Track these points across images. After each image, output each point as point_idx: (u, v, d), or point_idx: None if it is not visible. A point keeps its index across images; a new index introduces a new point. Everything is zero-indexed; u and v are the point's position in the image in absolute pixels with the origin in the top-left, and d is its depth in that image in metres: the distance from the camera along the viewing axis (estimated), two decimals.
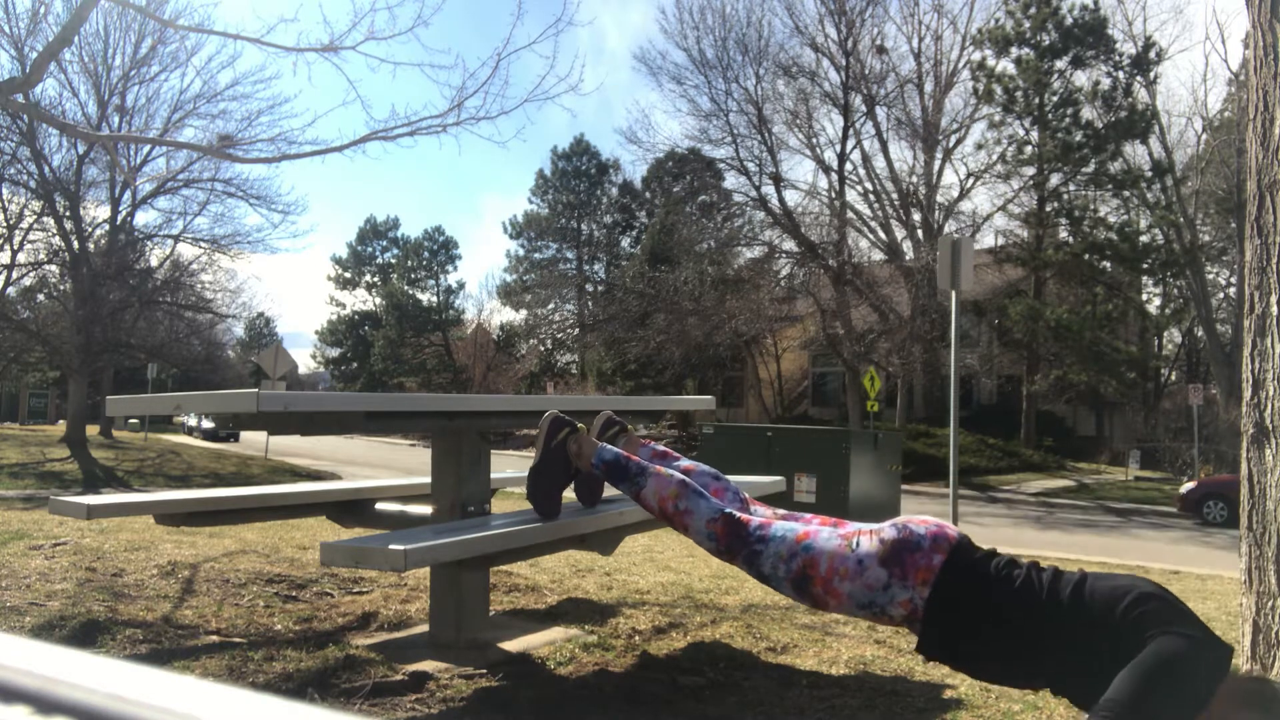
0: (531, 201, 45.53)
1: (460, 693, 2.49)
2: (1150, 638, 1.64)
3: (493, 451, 3.03)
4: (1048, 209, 25.37)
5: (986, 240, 27.05)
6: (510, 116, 29.62)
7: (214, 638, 2.92)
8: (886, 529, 1.97)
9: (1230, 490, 14.06)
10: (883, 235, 28.60)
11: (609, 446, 2.35)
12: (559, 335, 43.30)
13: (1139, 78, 24.43)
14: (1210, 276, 27.44)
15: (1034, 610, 1.78)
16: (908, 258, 27.25)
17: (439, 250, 50.78)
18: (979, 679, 1.98)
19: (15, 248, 22.31)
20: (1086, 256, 24.37)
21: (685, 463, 2.42)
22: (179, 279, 25.32)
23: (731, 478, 2.44)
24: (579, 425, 2.40)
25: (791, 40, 31.03)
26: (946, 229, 26.32)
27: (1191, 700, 1.60)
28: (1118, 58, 24.47)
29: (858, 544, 1.95)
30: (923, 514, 2.12)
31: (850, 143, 28.33)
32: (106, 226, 23.34)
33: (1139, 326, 29.59)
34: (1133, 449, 24.77)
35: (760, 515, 2.20)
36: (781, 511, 2.25)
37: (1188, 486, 16.19)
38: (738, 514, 2.11)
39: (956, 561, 1.88)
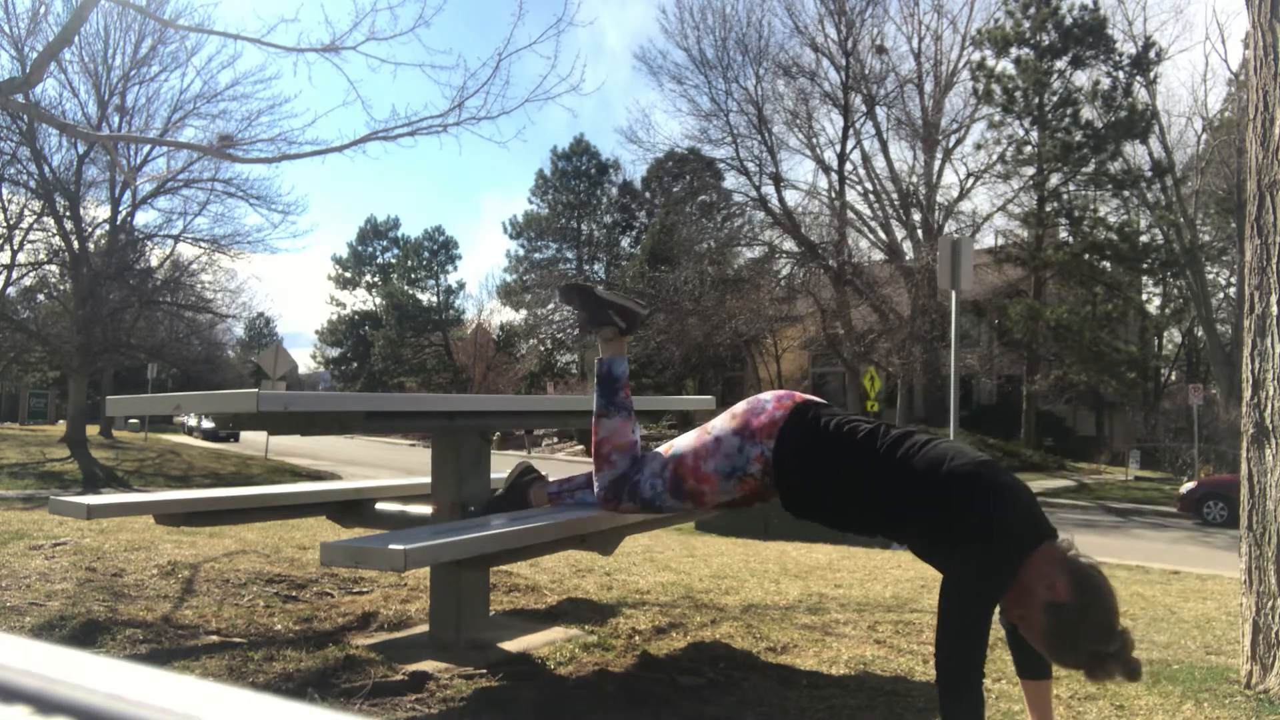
0: (531, 201, 45.57)
1: (460, 693, 2.49)
2: (959, 535, 1.81)
3: (493, 451, 3.03)
4: (1048, 209, 25.36)
5: (986, 240, 27.08)
6: (511, 116, 29.62)
7: (214, 638, 2.92)
8: (740, 404, 2.19)
9: (1230, 490, 14.06)
10: (883, 235, 28.59)
11: (553, 491, 2.65)
12: (559, 335, 43.25)
13: (1139, 78, 24.43)
14: (1210, 276, 27.44)
15: (868, 463, 1.96)
16: (908, 258, 27.24)
17: (439, 250, 50.78)
18: (835, 528, 2.17)
19: (15, 248, 22.37)
20: (1086, 256, 24.37)
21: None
22: (179, 279, 25.33)
23: None
24: (544, 475, 2.74)
25: (791, 40, 31.13)
26: (946, 229, 26.31)
27: (995, 593, 1.80)
28: (1118, 58, 24.47)
29: (714, 426, 2.18)
30: None
31: (850, 143, 28.37)
32: (106, 226, 23.37)
33: (1139, 326, 29.58)
34: (1133, 449, 24.77)
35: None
36: None
37: (1188, 486, 16.18)
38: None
39: (799, 417, 2.08)
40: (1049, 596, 1.77)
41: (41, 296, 25.69)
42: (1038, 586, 1.78)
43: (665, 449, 2.26)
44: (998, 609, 1.87)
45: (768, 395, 2.19)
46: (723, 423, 2.18)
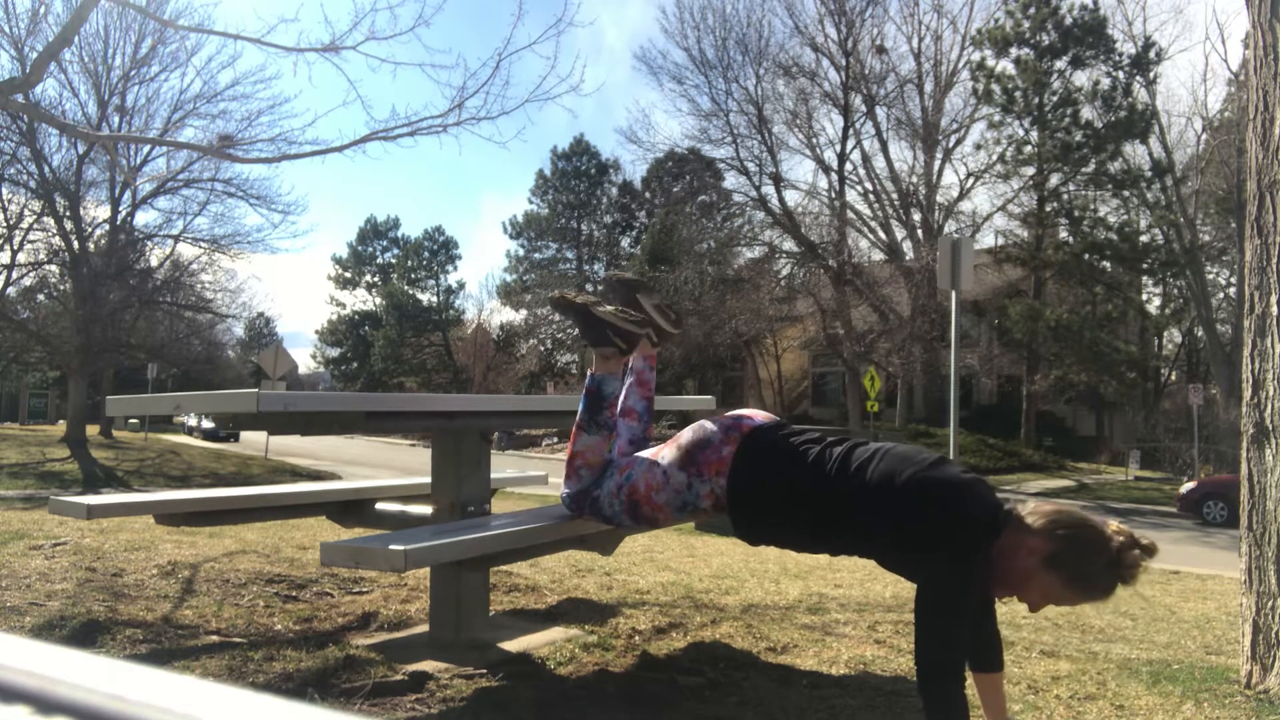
0: (531, 201, 45.52)
1: (460, 693, 2.49)
2: (920, 541, 1.78)
3: (493, 451, 3.03)
4: (1048, 209, 25.35)
5: (986, 240, 27.07)
6: (511, 116, 29.62)
7: (214, 638, 2.92)
8: (687, 432, 2.14)
9: (1230, 490, 14.05)
10: (883, 235, 28.59)
11: (613, 381, 2.37)
12: (559, 335, 43.25)
13: (1139, 78, 24.42)
14: (1210, 276, 27.41)
15: (821, 487, 1.93)
16: (908, 258, 27.24)
17: (439, 250, 50.76)
18: (796, 551, 2.15)
19: (15, 248, 22.34)
20: (1086, 256, 24.36)
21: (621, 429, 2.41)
22: (179, 279, 25.32)
23: None
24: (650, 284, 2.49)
25: (791, 40, 31.14)
26: (946, 229, 26.31)
27: (970, 584, 1.76)
28: (1117, 58, 24.45)
29: (663, 456, 2.15)
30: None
31: (850, 143, 28.37)
32: (106, 226, 23.34)
33: (1139, 326, 29.58)
34: (1133, 449, 24.76)
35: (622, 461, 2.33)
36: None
37: (1188, 486, 16.17)
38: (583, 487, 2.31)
39: (747, 450, 2.04)
40: (1035, 561, 1.76)
41: (41, 296, 25.67)
42: (1023, 561, 1.77)
43: (623, 467, 2.22)
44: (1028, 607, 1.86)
45: (713, 425, 2.12)
46: (670, 453, 2.14)
